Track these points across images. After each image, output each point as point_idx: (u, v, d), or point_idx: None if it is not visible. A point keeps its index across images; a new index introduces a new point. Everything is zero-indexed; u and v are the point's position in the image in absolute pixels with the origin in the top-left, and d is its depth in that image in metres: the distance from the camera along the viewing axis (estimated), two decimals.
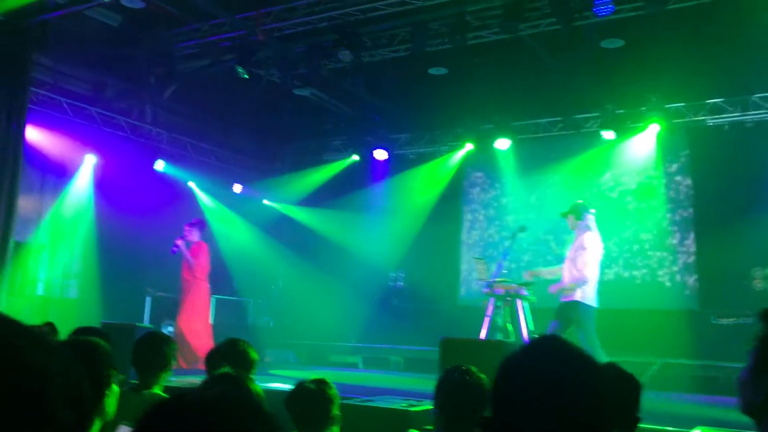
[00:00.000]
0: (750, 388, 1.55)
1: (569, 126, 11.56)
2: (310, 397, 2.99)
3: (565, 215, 7.54)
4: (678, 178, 11.11)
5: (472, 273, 11.64)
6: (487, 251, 12.24)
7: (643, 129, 10.80)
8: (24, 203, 9.93)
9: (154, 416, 0.86)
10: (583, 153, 11.55)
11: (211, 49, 10.59)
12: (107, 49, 10.93)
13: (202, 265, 9.85)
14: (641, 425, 2.58)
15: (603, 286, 7.64)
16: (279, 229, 13.59)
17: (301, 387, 3.06)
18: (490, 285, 7.61)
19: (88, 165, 11.24)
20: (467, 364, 3.10)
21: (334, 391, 3.08)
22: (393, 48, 10.27)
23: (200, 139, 12.59)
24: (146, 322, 10.20)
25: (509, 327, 7.40)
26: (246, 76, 10.28)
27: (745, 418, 1.60)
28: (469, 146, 12.32)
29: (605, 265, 7.95)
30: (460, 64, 10.74)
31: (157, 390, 3.53)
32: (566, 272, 7.36)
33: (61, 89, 10.78)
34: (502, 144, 11.80)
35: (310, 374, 3.28)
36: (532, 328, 7.43)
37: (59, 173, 11.26)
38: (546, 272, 7.59)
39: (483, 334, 7.60)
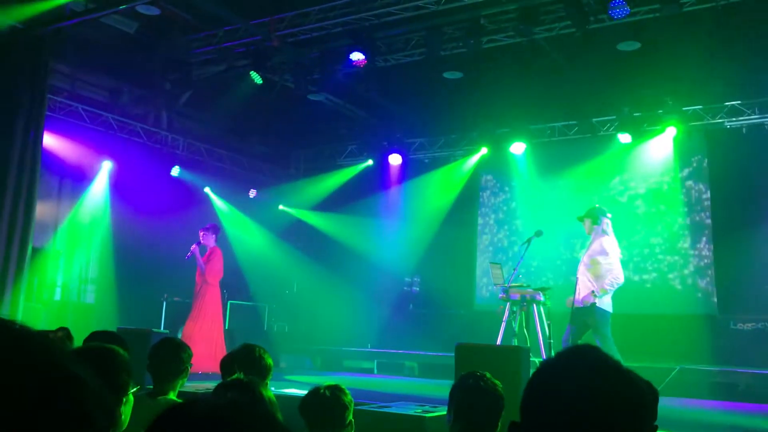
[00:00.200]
0: None
1: (585, 129, 11.49)
2: (325, 403, 2.97)
3: (581, 219, 7.49)
4: (695, 181, 11.00)
5: (488, 278, 11.59)
6: (502, 256, 12.18)
7: (660, 132, 10.72)
8: (41, 209, 10.01)
9: (161, 423, 0.87)
10: (599, 157, 11.48)
11: (226, 55, 10.64)
12: (123, 56, 11.01)
13: (215, 270, 9.86)
14: None
15: (622, 291, 7.57)
16: (294, 234, 13.61)
17: (315, 393, 3.04)
18: (505, 290, 7.57)
19: (104, 171, 11.32)
20: (483, 369, 3.07)
21: (349, 397, 3.06)
22: (408, 52, 10.27)
23: (215, 145, 12.65)
24: (162, 327, 10.23)
25: (525, 332, 7.35)
26: (260, 82, 10.32)
27: (766, 425, 1.57)
28: (484, 150, 12.28)
29: (630, 270, 7.87)
30: (475, 68, 10.71)
31: (173, 396, 3.53)
32: (581, 277, 7.30)
33: (78, 96, 10.88)
34: (518, 148, 11.76)
35: (326, 379, 3.27)
36: (547, 333, 7.37)
37: (76, 179, 11.35)
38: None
39: (499, 340, 7.56)
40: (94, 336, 3.81)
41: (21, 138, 9.04)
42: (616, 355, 6.72)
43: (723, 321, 9.97)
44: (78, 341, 3.69)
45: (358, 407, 4.61)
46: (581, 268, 7.35)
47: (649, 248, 11.06)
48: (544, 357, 7.34)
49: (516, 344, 7.16)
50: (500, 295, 7.69)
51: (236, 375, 2.58)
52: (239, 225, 12.97)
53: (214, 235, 10.04)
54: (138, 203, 11.06)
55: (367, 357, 11.63)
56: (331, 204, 13.50)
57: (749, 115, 10.30)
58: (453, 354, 5.64)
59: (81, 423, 0.83)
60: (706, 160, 10.96)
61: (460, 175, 12.82)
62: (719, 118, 10.50)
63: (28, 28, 9.00)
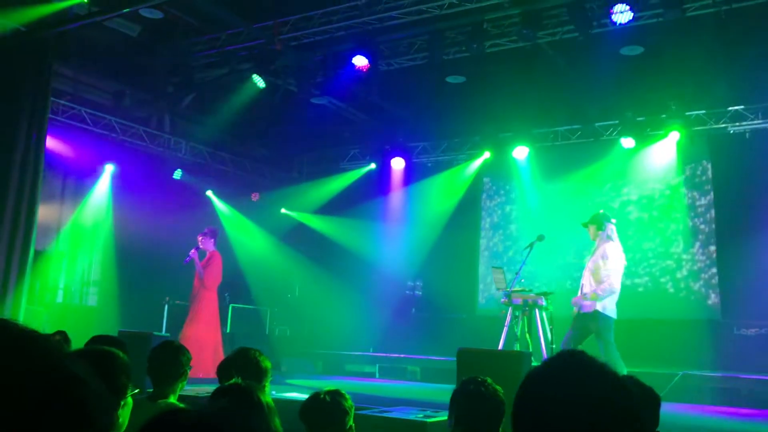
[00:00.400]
0: None
1: (588, 134, 11.48)
2: (325, 409, 2.96)
3: (586, 225, 7.47)
4: (698, 185, 10.98)
5: (491, 282, 11.57)
6: (505, 260, 12.16)
7: (663, 137, 10.70)
8: (44, 212, 10.02)
9: (151, 429, 0.88)
10: (602, 161, 11.46)
11: (229, 58, 10.64)
12: (126, 59, 11.03)
13: (213, 275, 9.81)
14: None
15: (625, 296, 7.54)
16: (296, 237, 13.60)
17: (315, 398, 3.03)
18: (508, 295, 7.55)
19: (107, 174, 11.33)
20: (485, 375, 3.05)
21: (350, 403, 3.04)
22: (411, 56, 10.26)
23: (218, 148, 12.66)
24: (164, 330, 10.23)
25: (527, 337, 7.33)
26: (263, 85, 10.32)
27: None
28: (486, 154, 12.27)
29: (625, 275, 7.84)
30: (477, 72, 10.71)
31: (173, 399, 3.52)
32: (586, 282, 7.28)
33: (81, 99, 10.89)
34: (520, 152, 11.76)
35: (327, 384, 3.25)
36: (549, 337, 7.35)
37: (79, 182, 11.36)
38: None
39: (501, 344, 7.54)
40: (95, 340, 3.80)
41: (24, 140, 9.05)
42: (619, 361, 6.74)
43: (726, 326, 9.93)
44: (79, 344, 3.69)
45: (359, 412, 4.60)
46: (586, 274, 7.34)
47: (651, 253, 11.04)
48: None
49: (518, 349, 7.14)
50: (502, 300, 7.67)
51: (234, 380, 2.57)
52: (241, 228, 12.97)
53: (212, 239, 10.00)
54: (140, 206, 11.06)
55: (369, 361, 11.61)
56: (334, 207, 13.50)
57: (752, 119, 10.28)
58: (455, 358, 5.62)
59: (82, 423, 0.85)
60: (709, 165, 10.93)
61: (462, 179, 12.81)
62: (722, 123, 10.48)
63: (32, 31, 9.01)
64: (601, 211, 7.78)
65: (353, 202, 13.19)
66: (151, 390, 3.68)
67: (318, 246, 13.40)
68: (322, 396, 3.02)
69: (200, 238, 9.93)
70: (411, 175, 13.20)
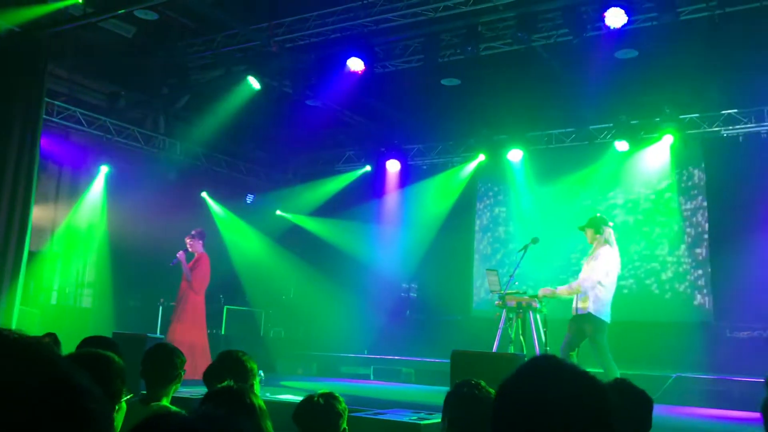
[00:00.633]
0: None
1: (582, 137, 11.52)
2: (319, 412, 2.96)
3: (583, 229, 7.47)
4: (692, 189, 11.02)
5: (485, 284, 11.58)
6: (499, 262, 12.18)
7: (657, 140, 10.74)
8: (38, 213, 10.00)
9: None
10: (597, 164, 11.49)
11: (224, 59, 10.65)
12: (121, 61, 11.02)
13: (200, 278, 9.75)
14: None
15: (618, 299, 7.56)
16: (291, 239, 13.60)
17: (309, 401, 3.03)
18: (502, 297, 7.55)
19: (102, 175, 11.31)
20: (478, 377, 3.06)
21: (343, 405, 3.05)
22: (406, 59, 10.28)
23: (213, 150, 12.64)
24: (158, 332, 10.21)
25: (522, 339, 7.34)
26: (258, 87, 10.32)
27: None
28: (481, 157, 12.30)
29: (620, 278, 7.86)
30: (472, 75, 10.73)
31: (166, 402, 3.52)
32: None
33: (76, 100, 10.88)
34: (515, 155, 11.78)
35: (322, 386, 3.25)
36: (544, 340, 7.37)
37: (73, 183, 11.33)
38: (564, 290, 7.48)
39: (495, 347, 7.55)
40: (87, 341, 3.79)
41: (18, 141, 9.03)
42: (611, 364, 6.76)
43: (719, 329, 9.97)
44: (74, 346, 3.68)
45: (353, 414, 4.60)
46: (581, 276, 7.35)
47: (645, 256, 11.07)
48: None
49: (513, 351, 7.15)
50: (496, 302, 7.68)
51: (223, 383, 2.57)
52: (236, 230, 12.96)
53: (201, 241, 9.92)
54: (135, 207, 11.04)
55: (364, 363, 11.60)
56: (329, 210, 13.50)
57: (746, 123, 10.33)
58: (449, 360, 5.63)
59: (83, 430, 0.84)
60: (703, 168, 10.97)
61: (457, 182, 12.83)
62: (716, 127, 10.52)
63: (26, 32, 9.00)
64: (599, 214, 7.79)
65: (348, 204, 13.20)
66: (145, 392, 3.68)
67: (313, 248, 13.40)
68: (315, 399, 3.02)
69: (188, 240, 9.85)
70: (406, 178, 13.21)
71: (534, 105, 10.97)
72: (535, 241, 7.81)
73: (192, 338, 9.45)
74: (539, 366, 1.29)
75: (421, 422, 4.79)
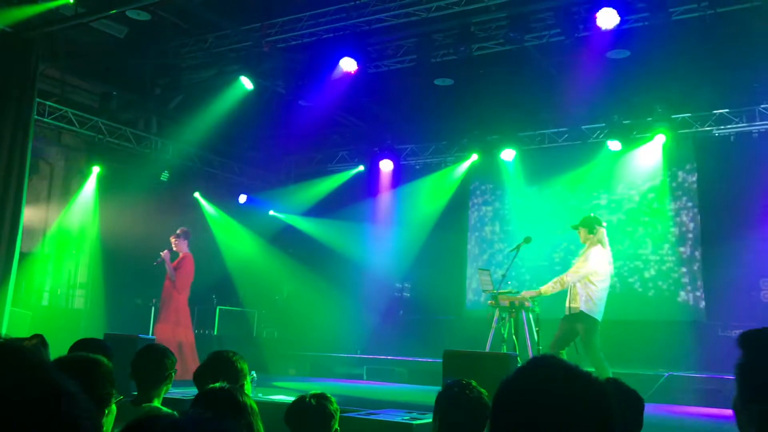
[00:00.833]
0: (744, 416, 1.51)
1: (575, 136, 11.54)
2: (310, 413, 2.96)
3: (576, 228, 7.49)
4: (684, 188, 11.06)
5: (478, 284, 11.60)
6: (492, 262, 12.21)
7: (649, 139, 10.77)
8: (30, 214, 9.96)
9: None
10: (589, 164, 11.52)
11: (217, 60, 10.63)
12: (113, 61, 10.99)
13: (184, 277, 9.72)
14: None
15: (611, 297, 7.58)
16: (284, 239, 13.58)
17: (301, 401, 3.03)
18: (494, 296, 7.57)
19: (93, 176, 11.26)
20: (470, 376, 3.06)
21: (335, 406, 3.05)
22: (398, 59, 10.29)
23: (205, 150, 12.61)
24: (150, 333, 10.18)
25: (514, 339, 7.35)
26: (251, 87, 10.31)
27: None
28: (474, 157, 12.31)
29: (612, 277, 7.87)
30: (465, 75, 10.74)
31: (157, 403, 3.50)
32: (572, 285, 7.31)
33: (68, 100, 10.84)
34: (508, 155, 11.80)
35: (314, 386, 3.25)
36: (536, 339, 7.38)
37: (65, 184, 11.29)
38: (548, 287, 7.50)
39: (488, 346, 7.56)
40: (79, 344, 3.78)
41: (9, 142, 8.99)
42: (603, 364, 6.77)
43: (711, 328, 10.00)
44: (66, 347, 3.67)
45: (346, 414, 4.60)
46: (568, 271, 7.37)
47: (637, 254, 11.10)
48: None
49: (505, 350, 7.16)
50: (489, 302, 7.69)
51: (212, 384, 2.56)
52: (229, 230, 12.94)
53: (186, 241, 9.86)
54: (127, 208, 11.00)
55: (357, 363, 11.60)
56: (322, 210, 13.49)
57: (737, 122, 10.37)
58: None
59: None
60: (695, 168, 11.01)
61: (450, 182, 12.84)
62: (708, 126, 10.56)
63: (18, 32, 8.96)
64: (592, 214, 7.80)
65: (342, 205, 13.19)
66: (136, 393, 3.67)
67: (306, 248, 13.39)
68: (307, 399, 3.02)
69: (173, 239, 9.79)
70: (399, 178, 13.21)
71: (527, 105, 10.99)
72: (527, 240, 7.82)
73: (179, 338, 9.43)
74: (540, 366, 1.28)
75: (414, 422, 4.79)
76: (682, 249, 10.88)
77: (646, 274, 11.02)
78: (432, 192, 12.96)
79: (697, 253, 10.73)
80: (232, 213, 13.06)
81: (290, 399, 3.17)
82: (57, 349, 4.35)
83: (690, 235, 10.87)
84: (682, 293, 10.72)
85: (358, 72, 9.83)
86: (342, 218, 13.12)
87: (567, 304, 7.29)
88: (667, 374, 8.61)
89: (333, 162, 13.90)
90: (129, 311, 10.61)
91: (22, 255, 9.51)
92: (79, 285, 11.58)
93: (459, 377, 3.08)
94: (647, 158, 11.11)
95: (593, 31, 8.58)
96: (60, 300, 11.37)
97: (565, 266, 11.01)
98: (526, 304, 7.46)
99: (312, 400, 2.99)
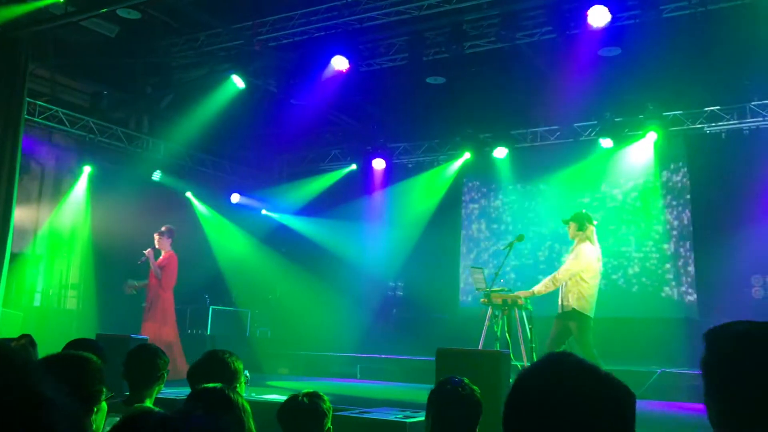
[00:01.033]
0: (708, 411, 1.53)
1: (567, 134, 11.56)
2: (303, 411, 2.95)
3: (566, 222, 7.50)
4: (675, 185, 11.10)
5: (472, 282, 11.61)
6: (485, 260, 12.22)
7: (641, 137, 10.80)
8: (21, 214, 9.90)
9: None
10: (581, 161, 11.54)
11: (208, 58, 10.60)
12: (104, 60, 10.93)
13: (168, 275, 9.68)
14: None
15: (603, 295, 7.61)
16: (277, 238, 13.56)
17: (293, 400, 3.02)
18: (487, 295, 7.57)
19: (85, 175, 11.21)
20: (463, 374, 3.07)
21: (327, 405, 3.04)
22: (390, 57, 10.28)
23: (197, 149, 12.57)
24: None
25: (507, 336, 7.36)
26: (242, 86, 10.28)
27: None
28: (467, 155, 12.31)
29: (604, 274, 7.90)
30: (457, 73, 10.74)
31: (149, 403, 3.49)
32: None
33: (58, 100, 10.78)
34: (500, 153, 11.81)
35: (308, 385, 3.24)
36: (530, 337, 7.39)
37: (56, 184, 11.23)
38: (541, 287, 7.50)
39: (481, 344, 7.56)
40: (72, 344, 3.77)
41: None
42: (596, 361, 6.77)
43: (703, 325, 9.97)
44: (58, 348, 3.66)
45: (339, 413, 4.59)
46: (559, 270, 7.39)
47: (629, 252, 11.14)
48: (526, 361, 7.35)
49: (498, 348, 7.17)
50: (482, 300, 7.69)
51: (206, 384, 2.55)
52: (221, 230, 12.90)
53: (170, 240, 9.81)
54: (119, 208, 10.95)
55: (350, 362, 11.58)
56: (315, 208, 13.47)
57: (728, 120, 10.41)
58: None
59: None
60: (686, 165, 11.05)
61: (443, 180, 12.84)
62: (699, 123, 10.59)
63: (6, 31, 8.89)
64: (584, 210, 7.82)
65: (334, 203, 13.18)
66: (128, 393, 3.65)
67: (299, 247, 13.37)
68: (300, 398, 3.01)
69: (157, 237, 9.72)
70: (392, 176, 13.21)
71: (518, 103, 10.99)
72: (520, 238, 7.83)
73: (168, 337, 9.42)
74: (556, 362, 1.27)
75: (407, 420, 4.79)
76: (672, 246, 10.92)
77: (638, 271, 11.05)
78: (425, 190, 12.96)
79: (688, 250, 10.77)
80: (224, 212, 13.02)
81: (283, 398, 3.16)
82: (49, 350, 4.33)
83: (681, 232, 10.90)
84: (674, 290, 10.76)
85: (349, 70, 9.82)
86: (335, 217, 13.11)
87: (560, 302, 7.31)
88: (659, 371, 8.64)
89: (325, 161, 13.88)
90: (121, 312, 10.55)
91: (13, 255, 9.45)
92: (71, 285, 11.52)
93: (451, 375, 3.07)
94: (639, 156, 11.13)
95: (584, 29, 8.59)
96: (52, 301, 11.32)
97: (549, 264, 11.10)
98: (519, 302, 7.47)
99: (304, 399, 2.98)
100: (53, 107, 10.46)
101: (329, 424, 2.99)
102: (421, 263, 12.51)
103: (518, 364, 7.27)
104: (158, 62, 10.93)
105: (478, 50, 9.61)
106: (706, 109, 10.48)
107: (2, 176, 8.94)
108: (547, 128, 11.73)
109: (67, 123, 10.65)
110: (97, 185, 11.22)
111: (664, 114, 10.55)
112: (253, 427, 2.44)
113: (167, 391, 5.23)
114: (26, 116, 9.50)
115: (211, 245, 12.44)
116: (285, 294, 13.23)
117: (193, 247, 11.73)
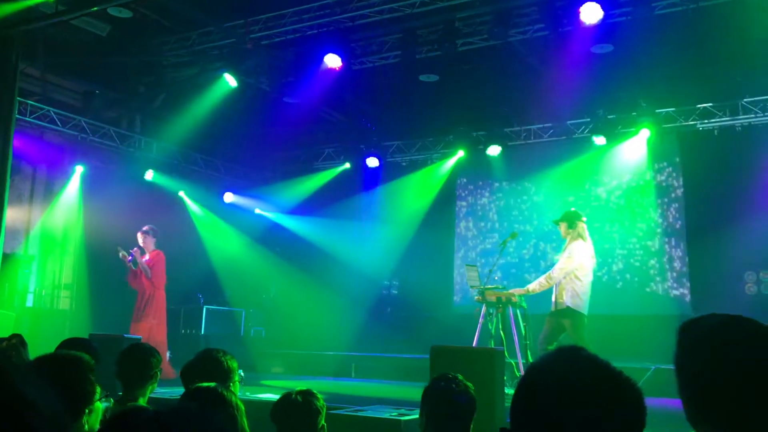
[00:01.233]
0: (683, 406, 1.52)
1: (560, 132, 11.57)
2: (296, 409, 2.94)
3: (557, 223, 7.52)
4: (669, 182, 11.12)
5: (466, 280, 11.62)
6: (479, 258, 12.22)
7: (634, 134, 10.82)
8: (12, 214, 9.85)
9: (107, 429, 0.85)
10: (575, 159, 11.56)
11: (200, 57, 10.56)
12: (96, 59, 10.88)
13: (159, 274, 9.65)
14: None
15: (597, 292, 7.62)
16: (271, 237, 13.53)
17: (287, 398, 3.01)
18: (481, 292, 7.58)
19: (77, 175, 11.16)
20: (458, 372, 3.06)
21: (321, 403, 3.03)
22: (383, 55, 10.26)
23: (190, 148, 12.53)
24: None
25: (501, 334, 7.37)
26: (235, 85, 10.25)
27: None
28: (460, 153, 12.31)
29: (597, 271, 7.92)
30: (450, 71, 10.73)
31: (142, 402, 3.48)
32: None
33: (50, 99, 10.73)
34: (494, 150, 11.82)
35: (303, 383, 3.23)
36: (524, 334, 7.40)
37: (48, 183, 11.18)
38: (535, 286, 7.51)
39: (475, 342, 7.57)
40: (65, 344, 3.75)
41: None
42: None
43: None
44: (51, 348, 3.64)
45: (333, 412, 4.58)
46: (553, 268, 7.40)
47: (623, 249, 11.15)
48: (520, 358, 7.36)
49: (492, 346, 7.17)
50: (476, 298, 7.70)
51: (199, 383, 2.54)
52: (215, 229, 12.87)
53: (154, 239, 9.78)
54: (112, 208, 10.90)
55: (345, 360, 11.57)
56: (308, 207, 13.45)
57: (720, 117, 10.44)
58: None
59: None
60: (679, 162, 11.08)
61: (437, 178, 12.84)
62: (692, 120, 10.62)
63: None
64: (573, 209, 7.85)
65: (328, 202, 13.16)
66: (121, 393, 3.64)
67: (293, 246, 13.35)
68: (293, 396, 3.00)
69: (141, 236, 9.67)
70: (386, 175, 13.20)
71: (512, 100, 11.00)
72: (514, 235, 7.85)
73: (160, 336, 9.41)
74: (567, 356, 1.26)
75: (402, 418, 4.78)
76: (665, 243, 10.94)
77: (632, 268, 11.07)
78: (418, 189, 12.96)
79: (681, 247, 10.80)
80: (218, 211, 12.99)
81: (276, 397, 3.14)
82: (42, 351, 4.31)
83: (674, 229, 10.93)
84: (668, 287, 10.78)
85: (342, 68, 9.80)
86: (328, 216, 13.09)
87: (553, 300, 7.32)
88: (653, 367, 8.65)
89: (319, 159, 13.86)
90: (114, 312, 10.51)
91: (5, 256, 9.41)
92: (63, 286, 11.48)
93: (446, 372, 3.07)
94: (632, 153, 11.15)
95: (577, 26, 8.59)
96: (45, 301, 11.27)
97: (534, 263, 11.13)
98: (513, 299, 7.48)
99: (298, 397, 2.97)
100: (44, 106, 10.41)
101: (323, 422, 2.98)
102: (416, 262, 12.51)
103: (512, 361, 7.29)
104: (150, 61, 10.88)
105: (470, 48, 9.60)
106: (699, 106, 10.51)
107: None
108: (540, 126, 11.74)
109: (58, 122, 10.60)
110: (89, 185, 11.17)
111: (657, 111, 10.58)
112: (246, 426, 2.43)
113: (161, 390, 5.21)
114: (17, 115, 9.45)
115: (205, 245, 12.42)
116: (279, 293, 13.22)
117: (187, 247, 11.71)
